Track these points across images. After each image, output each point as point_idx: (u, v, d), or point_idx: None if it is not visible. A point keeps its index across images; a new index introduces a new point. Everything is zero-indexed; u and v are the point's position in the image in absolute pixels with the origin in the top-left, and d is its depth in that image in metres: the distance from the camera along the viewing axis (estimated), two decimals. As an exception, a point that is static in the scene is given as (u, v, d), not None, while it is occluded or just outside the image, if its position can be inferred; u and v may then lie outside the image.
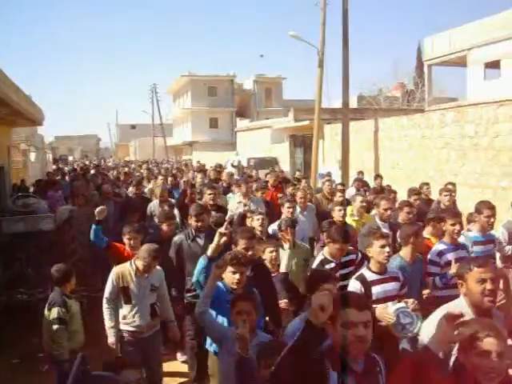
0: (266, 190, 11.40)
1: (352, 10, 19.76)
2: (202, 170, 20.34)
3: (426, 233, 6.90)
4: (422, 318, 4.45)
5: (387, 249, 5.12)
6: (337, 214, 8.03)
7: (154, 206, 9.84)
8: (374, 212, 8.66)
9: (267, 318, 5.11)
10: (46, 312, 5.54)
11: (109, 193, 11.14)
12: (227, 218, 8.89)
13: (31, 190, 16.47)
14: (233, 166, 25.92)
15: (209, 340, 4.75)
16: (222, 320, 4.55)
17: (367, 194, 11.28)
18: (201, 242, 6.36)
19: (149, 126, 68.55)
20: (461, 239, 6.52)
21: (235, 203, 9.71)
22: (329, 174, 16.92)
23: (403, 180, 15.78)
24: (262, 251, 5.85)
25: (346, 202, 9.35)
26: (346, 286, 5.26)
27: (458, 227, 6.21)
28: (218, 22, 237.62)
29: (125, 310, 5.58)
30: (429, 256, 6.18)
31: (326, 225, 6.98)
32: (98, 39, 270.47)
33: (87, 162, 46.16)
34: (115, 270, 5.65)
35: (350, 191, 12.19)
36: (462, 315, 2.79)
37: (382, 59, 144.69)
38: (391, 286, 5.13)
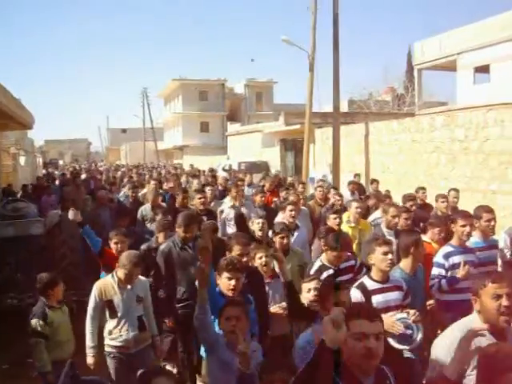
0: (264, 194, 11.07)
1: (342, 14, 19.91)
2: (195, 174, 20.26)
3: (427, 237, 6.77)
4: (422, 329, 4.34)
5: (390, 256, 4.88)
6: (332, 222, 7.81)
7: (145, 210, 9.60)
8: (370, 218, 8.62)
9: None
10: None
11: (104, 199, 10.75)
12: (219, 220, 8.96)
13: (18, 194, 16.35)
14: (224, 170, 25.91)
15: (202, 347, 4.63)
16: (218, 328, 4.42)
17: (361, 198, 11.23)
18: (190, 250, 6.13)
19: (139, 129, 68.47)
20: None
21: (227, 207, 9.48)
22: (324, 177, 16.95)
23: (393, 184, 15.83)
24: (252, 257, 5.68)
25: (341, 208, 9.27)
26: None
27: (468, 229, 5.96)
28: (208, 26, 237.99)
29: (110, 324, 5.29)
30: (434, 258, 5.98)
31: (322, 231, 6.81)
32: (88, 43, 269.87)
33: (77, 166, 45.89)
34: (97, 285, 5.37)
35: (345, 195, 11.94)
36: (482, 334, 2.72)
37: (372, 64, 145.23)
38: (393, 296, 4.88)
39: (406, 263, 5.44)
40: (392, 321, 4.35)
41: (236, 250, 5.15)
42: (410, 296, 5.02)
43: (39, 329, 5.27)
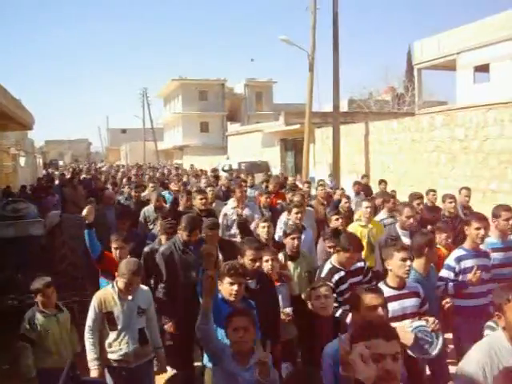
0: (269, 195, 10.62)
1: (342, 14, 19.91)
2: (197, 174, 20.20)
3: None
4: (442, 338, 4.18)
5: (408, 262, 4.69)
6: (334, 223, 7.69)
7: (148, 211, 9.36)
8: (376, 218, 8.44)
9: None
10: None
11: (110, 198, 10.52)
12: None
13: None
14: (223, 170, 25.87)
15: (206, 356, 4.51)
16: (222, 334, 4.27)
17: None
18: (192, 253, 5.97)
19: (139, 130, 68.47)
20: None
21: (229, 208, 9.20)
22: (330, 175, 16.85)
23: (394, 183, 15.81)
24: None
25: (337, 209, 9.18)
26: None
27: (482, 232, 5.69)
28: (208, 26, 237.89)
29: (110, 337, 5.01)
30: (446, 260, 5.79)
31: (328, 232, 6.70)
32: (88, 44, 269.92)
33: (76, 167, 45.76)
34: (97, 295, 5.09)
35: (351, 196, 11.60)
36: None
37: (372, 63, 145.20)
38: (410, 303, 4.70)
39: (419, 264, 5.30)
40: (404, 330, 4.11)
41: (249, 255, 5.01)
42: (427, 303, 4.85)
43: (24, 332, 5.16)
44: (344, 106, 33.95)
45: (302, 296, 5.72)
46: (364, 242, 7.30)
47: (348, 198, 10.33)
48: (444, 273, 5.68)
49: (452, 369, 5.61)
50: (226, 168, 26.86)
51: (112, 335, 5.00)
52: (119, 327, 4.97)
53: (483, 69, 27.12)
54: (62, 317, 5.40)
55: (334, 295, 5.05)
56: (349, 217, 9.06)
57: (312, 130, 22.67)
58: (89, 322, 5.02)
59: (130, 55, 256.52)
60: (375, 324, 2.85)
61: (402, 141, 17.21)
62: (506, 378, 2.59)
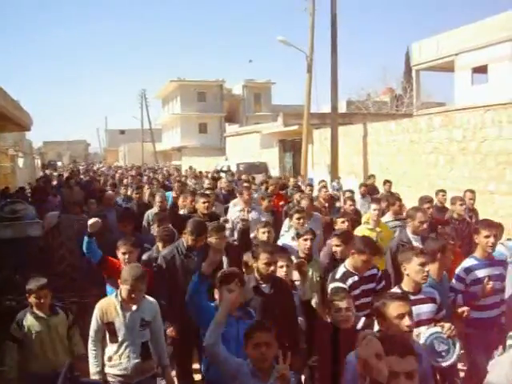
0: (271, 198, 10.34)
1: (341, 15, 19.89)
2: (196, 176, 20.14)
3: None
4: (459, 345, 4.08)
5: (427, 268, 4.56)
6: (339, 227, 7.34)
7: (152, 214, 8.97)
8: (383, 219, 8.24)
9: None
10: None
11: (111, 199, 10.30)
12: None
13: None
14: (222, 171, 25.87)
15: (204, 366, 4.41)
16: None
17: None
18: (194, 257, 5.75)
19: (138, 131, 68.48)
20: (500, 249, 5.96)
21: (236, 212, 8.96)
22: (338, 178, 16.70)
23: (392, 184, 15.85)
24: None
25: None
26: (368, 304, 4.96)
27: (492, 240, 5.42)
28: (206, 27, 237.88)
29: (110, 349, 4.73)
30: (456, 271, 5.52)
31: (337, 231, 6.48)
32: (87, 44, 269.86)
33: (74, 168, 45.65)
34: (99, 305, 4.81)
35: (357, 198, 11.46)
36: None
37: (370, 64, 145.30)
38: (426, 308, 4.52)
39: (432, 269, 5.06)
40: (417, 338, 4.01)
41: (263, 259, 4.83)
42: (443, 309, 4.71)
43: (13, 332, 5.03)
44: (342, 107, 34.02)
45: (313, 302, 5.67)
46: None
47: (353, 200, 9.99)
48: (455, 284, 5.46)
49: (461, 374, 5.61)
50: (225, 169, 26.87)
51: (112, 348, 4.73)
52: (120, 339, 4.68)
53: (481, 70, 27.13)
54: (54, 320, 5.15)
55: None
56: (356, 220, 8.75)
57: (310, 131, 22.69)
58: (91, 332, 4.80)
59: (129, 56, 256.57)
60: (390, 340, 2.77)
61: (400, 142, 17.22)
62: None
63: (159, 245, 6.63)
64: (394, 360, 2.53)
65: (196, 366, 6.05)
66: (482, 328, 5.21)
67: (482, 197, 12.86)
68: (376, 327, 4.14)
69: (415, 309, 4.28)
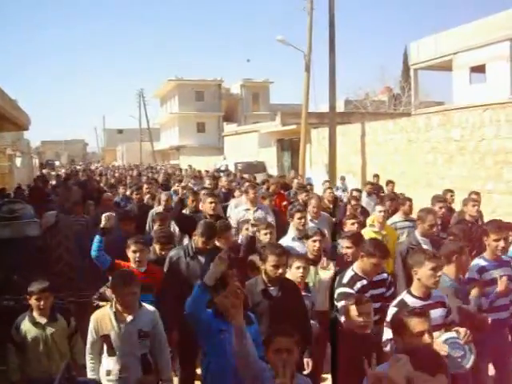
0: (272, 197, 10.06)
1: (339, 15, 19.93)
2: (195, 176, 20.04)
3: None
4: (475, 350, 3.95)
5: (439, 273, 4.41)
6: (349, 228, 7.11)
7: (156, 212, 8.74)
8: (389, 222, 8.06)
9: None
10: None
11: (109, 200, 10.06)
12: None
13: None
14: (220, 170, 25.87)
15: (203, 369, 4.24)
16: (215, 354, 4.04)
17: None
18: (202, 259, 5.47)
19: (136, 130, 68.43)
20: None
21: (241, 211, 8.65)
22: (343, 178, 16.67)
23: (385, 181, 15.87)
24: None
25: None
26: (377, 309, 4.77)
27: (502, 244, 5.31)
28: (205, 26, 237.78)
29: (109, 363, 4.44)
30: (467, 274, 5.32)
31: (347, 234, 6.30)
32: (84, 44, 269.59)
33: (72, 168, 45.51)
34: (93, 316, 4.55)
35: (363, 197, 11.43)
36: None
37: (368, 64, 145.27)
38: (436, 313, 4.35)
39: (450, 270, 4.99)
40: (437, 342, 3.86)
41: (270, 261, 4.64)
42: (452, 313, 4.58)
43: (12, 335, 4.93)
44: (340, 107, 33.96)
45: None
46: None
47: (357, 200, 9.84)
48: (468, 287, 5.19)
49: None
50: (223, 169, 26.87)
51: (110, 361, 4.44)
52: (118, 352, 4.41)
53: (479, 69, 27.15)
54: (51, 327, 4.96)
55: None
56: (363, 220, 8.45)
57: (308, 130, 22.69)
58: (88, 345, 4.56)
59: (127, 55, 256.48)
60: (422, 357, 2.66)
61: (398, 141, 17.23)
62: None
63: (156, 247, 6.47)
64: (425, 378, 2.48)
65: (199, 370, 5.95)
66: (494, 330, 5.02)
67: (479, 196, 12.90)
68: (386, 334, 4.10)
69: None
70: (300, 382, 3.44)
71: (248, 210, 8.56)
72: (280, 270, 4.66)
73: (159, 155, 64.40)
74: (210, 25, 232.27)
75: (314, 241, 6.02)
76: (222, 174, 20.11)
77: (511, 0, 62.76)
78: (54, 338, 4.94)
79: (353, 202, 9.37)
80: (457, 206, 9.47)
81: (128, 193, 12.53)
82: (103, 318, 4.48)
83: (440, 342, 3.88)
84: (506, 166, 12.61)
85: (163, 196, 9.33)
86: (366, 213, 9.44)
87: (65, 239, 8.74)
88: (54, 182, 21.99)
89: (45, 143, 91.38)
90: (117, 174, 27.35)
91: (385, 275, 5.31)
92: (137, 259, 5.54)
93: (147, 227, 8.85)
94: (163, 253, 6.27)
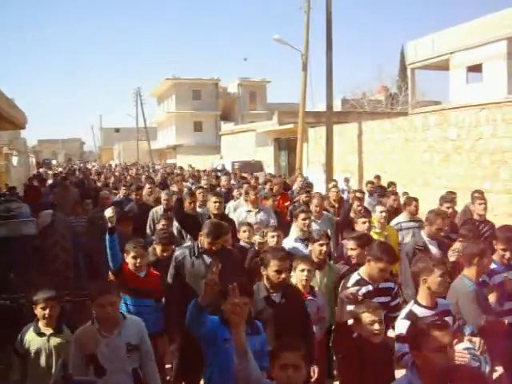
0: (275, 197, 9.84)
1: (336, 14, 19.92)
2: (194, 175, 20.00)
3: (457, 250, 5.90)
4: (489, 360, 3.87)
5: (447, 278, 4.27)
6: (360, 228, 6.90)
7: (157, 212, 8.66)
8: (393, 222, 7.96)
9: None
10: None
11: (107, 199, 9.89)
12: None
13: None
14: (217, 170, 25.85)
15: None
16: (219, 364, 3.90)
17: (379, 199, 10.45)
18: (207, 259, 5.16)
19: (133, 129, 68.36)
20: None
21: (243, 212, 8.46)
22: (347, 179, 16.60)
23: (387, 183, 15.87)
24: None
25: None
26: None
27: (508, 254, 5.27)
28: (201, 25, 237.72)
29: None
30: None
31: (350, 233, 6.14)
32: (81, 42, 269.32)
33: (69, 167, 45.36)
34: (75, 335, 4.22)
35: (365, 197, 10.82)
36: None
37: (365, 63, 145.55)
38: None
39: (470, 272, 4.88)
40: (459, 351, 3.66)
41: (273, 266, 4.42)
42: (457, 321, 4.39)
43: (16, 346, 4.70)
44: (337, 106, 34.02)
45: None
46: None
47: (361, 199, 9.49)
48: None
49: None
50: (219, 168, 26.84)
51: (100, 382, 3.97)
52: (107, 372, 4.04)
53: (476, 69, 27.19)
54: (55, 339, 4.70)
55: None
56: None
57: (305, 129, 22.70)
58: (70, 370, 4.01)
59: (124, 54, 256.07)
60: (462, 374, 2.47)
61: (395, 140, 17.25)
62: None
63: (157, 248, 6.26)
64: None
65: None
66: (504, 335, 4.89)
67: (476, 195, 12.92)
68: (398, 347, 3.94)
69: None
70: None
71: (250, 211, 8.39)
72: (283, 275, 4.46)
73: (156, 154, 64.31)
74: (208, 24, 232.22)
75: (321, 244, 5.78)
76: (219, 174, 20.08)
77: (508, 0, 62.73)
78: (58, 351, 4.66)
79: (356, 203, 8.99)
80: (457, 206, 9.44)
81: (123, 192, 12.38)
82: (85, 335, 4.13)
83: (460, 349, 3.71)
84: (502, 166, 12.62)
85: (164, 195, 9.20)
86: (368, 213, 9.33)
87: (61, 238, 8.73)
88: (50, 181, 21.93)
89: (42, 142, 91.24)
90: (117, 173, 27.29)
91: (391, 284, 5.04)
92: (137, 265, 5.31)
93: (147, 229, 8.66)
94: (164, 254, 6.12)
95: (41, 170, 38.68)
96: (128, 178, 20.80)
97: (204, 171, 22.62)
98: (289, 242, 6.62)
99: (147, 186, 11.51)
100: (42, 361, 4.61)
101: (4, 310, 7.38)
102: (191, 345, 4.73)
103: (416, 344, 3.19)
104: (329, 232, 7.04)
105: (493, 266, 5.24)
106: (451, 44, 27.87)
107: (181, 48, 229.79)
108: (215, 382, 3.99)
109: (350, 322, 4.19)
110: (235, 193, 11.18)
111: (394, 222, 8.03)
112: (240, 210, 8.65)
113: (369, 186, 12.26)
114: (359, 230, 6.82)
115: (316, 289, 5.37)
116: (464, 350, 3.71)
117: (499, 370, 5.36)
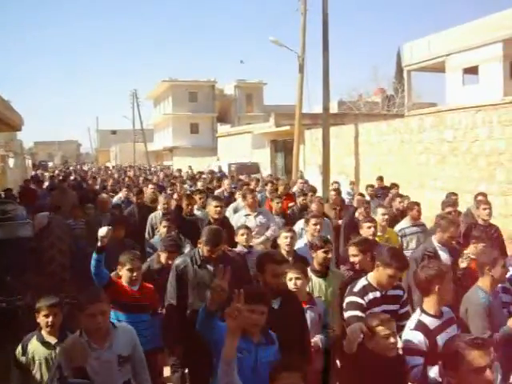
0: (280, 199, 9.59)
1: (332, 16, 19.91)
2: (193, 177, 20.00)
3: (471, 253, 5.87)
4: (500, 369, 3.80)
5: (452, 285, 4.18)
6: (366, 232, 6.69)
7: (155, 217, 8.50)
8: (397, 228, 7.82)
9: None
10: None
11: (106, 203, 9.69)
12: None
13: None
14: (213, 172, 25.83)
15: None
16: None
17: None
18: (210, 267, 4.98)
19: (129, 131, 68.24)
20: None
21: (242, 216, 8.32)
22: (352, 183, 16.54)
23: (389, 185, 15.89)
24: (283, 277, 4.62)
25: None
26: None
27: None
28: (198, 27, 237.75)
29: None
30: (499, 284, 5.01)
31: (354, 238, 5.90)
32: (79, 44, 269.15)
33: (58, 171, 45.03)
34: (62, 346, 3.87)
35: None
36: None
37: (362, 65, 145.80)
38: (452, 331, 4.03)
39: (484, 282, 4.75)
40: None
41: (269, 270, 4.23)
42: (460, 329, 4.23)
43: (16, 355, 4.45)
44: (334, 108, 34.00)
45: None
46: None
47: (367, 203, 9.32)
48: (502, 298, 4.97)
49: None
50: (216, 170, 26.83)
51: None
52: None
53: (472, 71, 27.26)
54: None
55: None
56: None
57: (302, 131, 22.71)
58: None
59: (120, 56, 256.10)
60: None
61: (391, 142, 17.28)
62: None
63: (162, 255, 6.03)
64: None
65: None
66: None
67: (472, 197, 12.91)
68: (412, 360, 3.78)
69: (447, 334, 3.90)
70: None
71: (248, 215, 8.26)
72: (281, 280, 4.32)
73: (153, 156, 64.25)
74: (204, 26, 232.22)
75: (326, 252, 5.52)
76: (218, 175, 20.07)
77: (504, 2, 63.00)
78: None
79: (361, 209, 8.68)
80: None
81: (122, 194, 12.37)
82: (73, 348, 3.73)
83: None
84: (498, 167, 12.66)
85: (162, 198, 9.06)
86: (374, 219, 9.25)
87: (57, 240, 8.72)
88: (47, 183, 21.88)
89: (38, 144, 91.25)
90: (116, 175, 27.24)
91: (400, 292, 4.80)
92: (133, 278, 5.05)
93: (146, 235, 8.56)
94: (170, 262, 5.72)
95: (37, 171, 38.62)
96: (126, 179, 20.76)
97: (201, 173, 22.57)
98: (300, 246, 6.48)
99: (150, 186, 11.42)
100: (46, 371, 4.36)
101: (0, 312, 7.36)
102: (196, 355, 4.61)
103: (453, 364, 2.98)
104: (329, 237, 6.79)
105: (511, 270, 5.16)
106: (447, 46, 27.92)
107: (177, 50, 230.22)
108: None
109: (361, 337, 3.89)
110: (237, 196, 11.03)
111: (396, 228, 7.89)
112: (239, 214, 8.50)
113: (369, 189, 12.09)
114: (364, 234, 6.62)
115: (317, 295, 5.27)
116: None
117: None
